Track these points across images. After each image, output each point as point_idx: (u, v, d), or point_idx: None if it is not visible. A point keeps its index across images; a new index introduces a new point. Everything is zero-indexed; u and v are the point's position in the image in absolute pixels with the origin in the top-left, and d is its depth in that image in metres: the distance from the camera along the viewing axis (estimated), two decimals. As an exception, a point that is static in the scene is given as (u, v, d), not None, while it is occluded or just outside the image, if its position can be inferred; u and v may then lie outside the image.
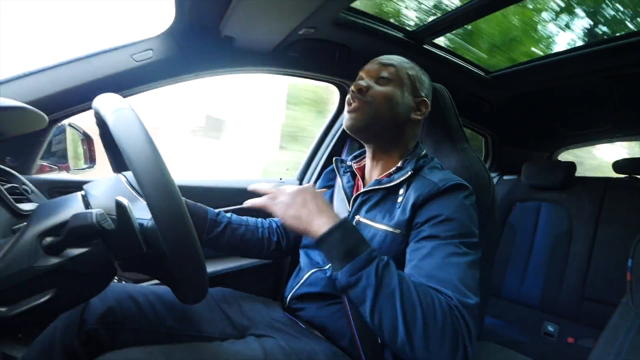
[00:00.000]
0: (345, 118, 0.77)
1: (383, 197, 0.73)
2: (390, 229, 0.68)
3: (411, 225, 0.66)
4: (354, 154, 0.91)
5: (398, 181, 0.71)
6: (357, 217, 0.74)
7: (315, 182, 1.29)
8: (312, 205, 0.61)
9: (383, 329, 0.51)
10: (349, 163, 0.87)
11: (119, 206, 0.49)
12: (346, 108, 0.77)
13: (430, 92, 0.83)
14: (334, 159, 0.89)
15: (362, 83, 0.75)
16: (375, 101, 0.74)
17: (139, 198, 0.56)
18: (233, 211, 1.27)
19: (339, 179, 0.85)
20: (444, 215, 0.62)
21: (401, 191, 0.71)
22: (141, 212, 0.54)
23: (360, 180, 0.83)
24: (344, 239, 0.56)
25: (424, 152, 0.79)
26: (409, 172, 0.71)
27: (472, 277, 0.58)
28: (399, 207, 0.69)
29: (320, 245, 0.58)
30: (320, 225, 0.58)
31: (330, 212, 0.61)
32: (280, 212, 0.63)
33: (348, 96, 0.77)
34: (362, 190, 0.76)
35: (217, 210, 0.86)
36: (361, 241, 0.57)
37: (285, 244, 0.92)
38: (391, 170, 0.76)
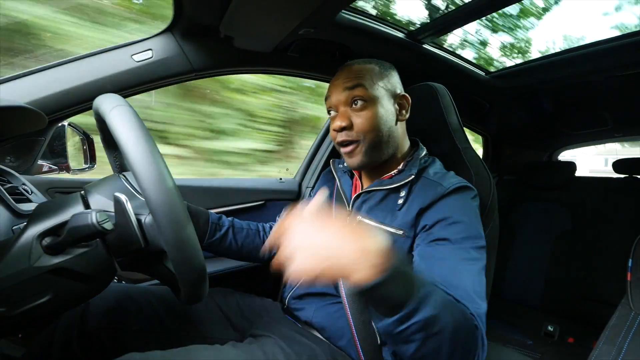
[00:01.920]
0: (345, 158, 0.74)
1: (384, 197, 0.73)
2: (393, 230, 0.67)
3: (416, 226, 0.66)
4: None
5: (401, 183, 0.71)
6: (358, 216, 0.74)
7: (315, 182, 1.29)
8: (342, 245, 0.42)
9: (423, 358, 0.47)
10: (346, 164, 0.87)
11: (117, 202, 0.50)
12: (342, 149, 0.74)
13: (400, 81, 0.78)
14: (331, 160, 0.89)
15: (340, 123, 0.70)
16: (364, 136, 0.70)
17: (139, 196, 0.56)
18: (232, 211, 1.28)
19: (337, 180, 0.85)
20: (453, 217, 0.62)
21: (403, 192, 0.70)
22: (140, 209, 0.54)
23: (358, 180, 0.83)
24: (397, 287, 0.43)
25: (424, 153, 0.78)
26: (412, 175, 0.71)
27: (481, 284, 0.58)
28: (401, 208, 0.69)
29: (366, 294, 0.44)
30: (362, 272, 0.41)
31: (370, 249, 0.43)
32: (301, 273, 0.42)
33: (336, 137, 0.73)
34: (363, 190, 0.76)
35: (219, 215, 0.85)
36: (412, 282, 0.45)
37: None
38: (393, 172, 0.76)
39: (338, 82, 0.73)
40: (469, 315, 0.51)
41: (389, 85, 0.74)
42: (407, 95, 0.77)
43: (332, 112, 0.75)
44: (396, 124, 0.74)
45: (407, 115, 0.77)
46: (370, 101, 0.71)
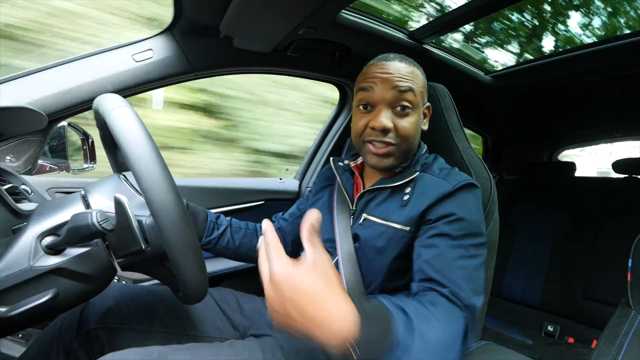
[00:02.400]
0: (372, 159, 0.70)
1: (389, 195, 0.73)
2: (400, 226, 0.67)
3: (421, 222, 0.66)
4: (352, 152, 0.90)
5: (405, 180, 0.71)
6: (363, 214, 0.74)
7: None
8: (303, 298, 0.38)
9: None
10: (346, 162, 0.87)
11: (118, 203, 0.50)
12: (369, 147, 0.70)
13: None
14: (331, 158, 0.88)
15: (387, 123, 0.66)
16: (402, 141, 0.68)
17: (138, 197, 0.56)
18: (232, 211, 1.28)
19: (338, 179, 0.84)
20: (456, 214, 0.63)
21: (407, 189, 0.70)
22: (140, 210, 0.54)
23: (359, 178, 0.83)
24: (370, 336, 0.39)
25: (425, 149, 0.79)
26: (417, 172, 0.71)
27: (479, 279, 0.59)
28: (406, 204, 0.69)
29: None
30: (333, 330, 0.38)
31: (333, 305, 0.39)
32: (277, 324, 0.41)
33: (369, 135, 0.69)
34: (368, 188, 0.76)
35: (217, 214, 0.85)
36: (383, 314, 0.43)
37: (284, 248, 0.92)
38: (397, 170, 0.75)
39: (386, 78, 0.68)
40: (453, 310, 0.51)
41: (425, 95, 0.74)
42: (430, 105, 0.77)
43: (367, 107, 0.70)
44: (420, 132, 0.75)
45: (426, 127, 0.77)
46: (415, 108, 0.69)
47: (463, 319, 0.52)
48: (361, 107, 0.71)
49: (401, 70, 0.69)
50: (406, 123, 0.68)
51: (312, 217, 0.45)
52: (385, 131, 0.67)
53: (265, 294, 0.41)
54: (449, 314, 0.51)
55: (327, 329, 0.38)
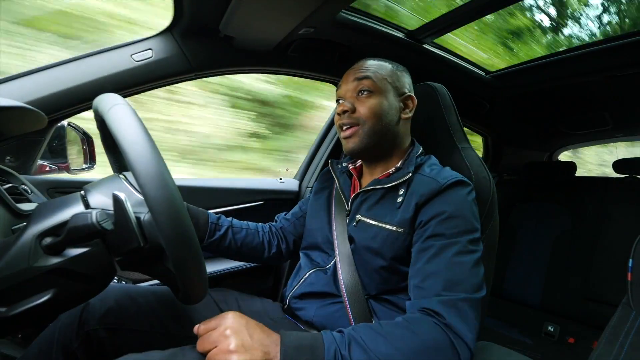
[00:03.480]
0: (343, 143, 0.78)
1: (382, 196, 0.73)
2: (393, 228, 0.68)
3: (414, 223, 0.67)
4: None
5: (398, 182, 0.72)
6: (357, 216, 0.75)
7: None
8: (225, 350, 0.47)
9: None
10: (344, 164, 0.88)
11: (116, 200, 0.49)
12: (341, 133, 0.77)
13: (411, 84, 0.83)
14: (329, 161, 0.90)
15: (346, 104, 0.75)
16: (365, 121, 0.74)
17: (138, 195, 0.56)
18: (232, 211, 1.28)
19: (336, 181, 0.85)
20: (447, 212, 0.63)
21: (401, 191, 0.71)
22: (139, 207, 0.54)
23: (357, 180, 0.84)
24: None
25: (420, 151, 0.79)
26: (409, 173, 0.71)
27: (478, 274, 0.60)
28: (400, 206, 0.69)
29: None
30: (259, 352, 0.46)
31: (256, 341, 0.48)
32: None
33: (338, 121, 0.77)
34: (361, 189, 0.77)
35: (218, 215, 0.85)
36: (311, 341, 0.49)
37: (285, 248, 0.92)
38: (390, 170, 0.77)
39: (349, 73, 0.79)
40: (421, 334, 0.52)
41: (397, 83, 0.77)
42: (413, 96, 0.80)
43: (341, 101, 0.78)
44: (398, 121, 0.77)
45: (410, 115, 0.79)
46: (376, 92, 0.75)
47: (439, 327, 0.52)
48: (339, 102, 0.79)
49: (364, 63, 0.78)
50: (365, 105, 0.74)
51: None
52: (347, 113, 0.75)
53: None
54: (416, 327, 0.52)
55: (254, 349, 0.47)
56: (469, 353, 0.52)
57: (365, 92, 0.75)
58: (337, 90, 0.81)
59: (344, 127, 0.76)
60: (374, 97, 0.74)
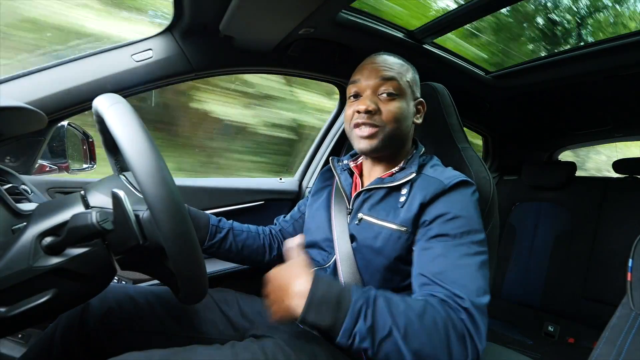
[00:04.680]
0: (356, 141, 0.75)
1: (385, 195, 0.73)
2: (396, 227, 0.68)
3: (418, 223, 0.66)
4: (351, 152, 0.91)
5: (402, 181, 0.71)
6: (359, 214, 0.74)
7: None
8: (275, 290, 0.57)
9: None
10: (345, 162, 0.87)
11: (115, 197, 0.49)
12: (356, 131, 0.73)
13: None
14: (330, 158, 0.89)
15: (370, 105, 0.71)
16: (386, 124, 0.71)
17: (137, 193, 0.56)
18: (232, 211, 1.28)
19: (337, 178, 0.84)
20: (452, 212, 0.63)
21: (404, 190, 0.71)
22: (138, 206, 0.54)
23: (358, 178, 0.83)
24: (322, 314, 0.50)
25: (423, 150, 0.79)
26: (413, 173, 0.71)
27: (483, 277, 0.58)
28: (403, 205, 0.69)
29: (307, 310, 0.51)
30: (288, 310, 0.53)
31: (293, 284, 0.54)
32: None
33: (356, 118, 0.73)
34: (364, 187, 0.76)
35: (219, 218, 0.85)
36: (338, 305, 0.51)
37: None
38: (394, 170, 0.76)
39: (372, 68, 0.74)
40: (443, 308, 0.52)
41: (414, 87, 0.77)
42: (424, 102, 0.80)
43: (357, 97, 0.76)
44: (412, 124, 0.77)
45: (421, 120, 0.79)
46: (400, 95, 0.73)
47: (458, 320, 0.52)
48: (352, 97, 0.76)
49: (387, 61, 0.75)
50: (391, 107, 0.72)
51: (297, 241, 0.64)
52: (370, 113, 0.71)
53: (265, 292, 0.58)
54: (436, 310, 0.52)
55: (290, 295, 0.53)
56: (477, 357, 0.52)
57: (387, 94, 0.72)
58: (351, 83, 0.76)
59: (362, 127, 0.73)
60: (398, 101, 0.72)
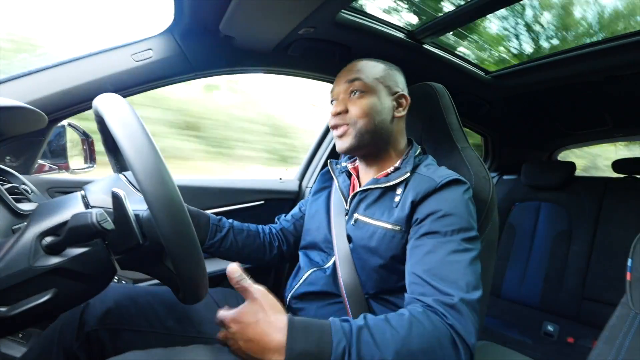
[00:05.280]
0: (336, 142, 0.79)
1: (380, 195, 0.74)
2: (390, 226, 0.68)
3: (410, 221, 0.67)
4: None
5: (396, 181, 0.72)
6: (355, 214, 0.75)
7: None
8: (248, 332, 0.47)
9: None
10: (343, 164, 0.88)
11: (115, 197, 0.49)
12: (333, 132, 0.78)
13: (405, 83, 0.83)
14: (328, 161, 0.91)
15: (338, 108, 0.76)
16: (357, 120, 0.74)
17: (137, 193, 0.56)
18: (232, 211, 1.28)
19: (335, 180, 0.86)
20: (442, 210, 0.63)
21: (399, 190, 0.71)
22: (138, 205, 0.54)
23: (356, 179, 0.84)
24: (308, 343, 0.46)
25: (418, 151, 0.80)
26: (407, 173, 0.72)
27: (474, 273, 0.59)
28: (397, 205, 0.70)
29: None
30: (268, 354, 0.45)
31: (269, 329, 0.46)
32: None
33: (331, 121, 0.78)
34: (359, 188, 0.77)
35: (219, 217, 0.86)
36: (317, 341, 0.46)
37: (287, 249, 0.92)
38: (389, 170, 0.77)
39: (341, 75, 0.80)
40: (424, 326, 0.51)
41: (388, 82, 0.78)
42: (406, 95, 0.80)
43: (333, 102, 0.80)
44: (392, 119, 0.77)
45: (404, 113, 0.79)
46: (367, 92, 0.75)
47: (443, 326, 0.52)
48: (333, 103, 0.80)
49: (353, 66, 0.79)
50: (357, 105, 0.75)
51: (231, 271, 0.50)
52: (340, 114, 0.76)
53: (224, 337, 0.50)
54: (420, 322, 0.51)
55: (263, 345, 0.46)
56: (469, 354, 0.52)
57: (357, 93, 0.75)
58: (330, 91, 0.82)
59: (337, 129, 0.77)
60: (366, 97, 0.75)
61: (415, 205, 0.67)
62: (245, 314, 0.48)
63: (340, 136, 0.77)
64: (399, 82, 0.80)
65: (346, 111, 0.75)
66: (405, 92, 0.80)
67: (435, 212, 0.64)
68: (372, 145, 0.77)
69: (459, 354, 0.51)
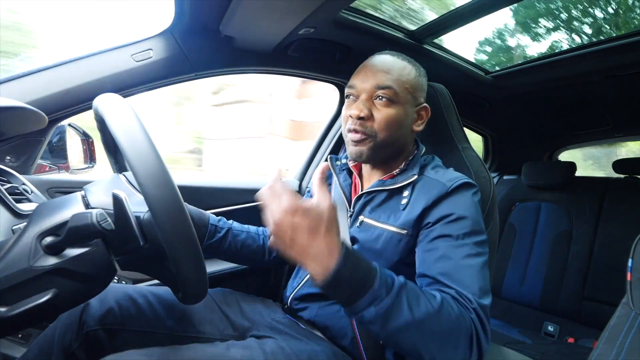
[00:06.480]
0: (349, 148, 0.73)
1: (387, 197, 0.72)
2: (396, 229, 0.67)
3: (419, 225, 0.66)
4: None
5: (403, 183, 0.71)
6: (360, 217, 0.74)
7: None
8: (316, 236, 0.46)
9: (400, 346, 0.51)
10: (344, 160, 0.86)
11: (116, 199, 0.49)
12: (349, 135, 0.71)
13: (426, 89, 0.78)
14: (328, 157, 0.88)
15: (362, 110, 0.68)
16: (378, 133, 0.69)
17: (138, 194, 0.56)
18: (232, 211, 1.27)
19: (335, 178, 0.84)
20: (455, 214, 0.63)
21: (406, 193, 0.70)
22: (139, 207, 0.54)
23: (357, 178, 0.82)
24: (353, 275, 0.47)
25: (423, 151, 0.78)
26: (415, 176, 0.70)
27: (485, 278, 0.58)
28: (404, 208, 0.68)
29: (325, 286, 0.47)
30: (313, 264, 0.47)
31: (331, 244, 0.47)
32: (271, 228, 0.48)
33: (350, 123, 0.71)
34: (365, 190, 0.76)
35: (218, 218, 0.85)
36: (367, 268, 0.49)
37: None
38: (395, 171, 0.75)
39: (367, 72, 0.71)
40: (457, 305, 0.52)
41: (416, 92, 0.73)
42: (428, 107, 0.76)
43: (352, 98, 0.73)
44: (410, 132, 0.74)
45: (422, 127, 0.76)
46: (397, 102, 0.70)
47: (468, 319, 0.51)
48: (350, 97, 0.74)
49: (386, 63, 0.71)
50: (385, 114, 0.69)
51: (323, 168, 0.53)
52: (362, 120, 0.69)
53: (274, 219, 0.47)
54: (451, 306, 0.51)
55: (315, 260, 0.46)
56: (481, 355, 0.51)
57: (383, 99, 0.69)
58: (349, 87, 0.74)
59: (354, 132, 0.71)
60: (392, 107, 0.69)
61: (426, 210, 0.65)
62: (307, 215, 0.46)
63: (357, 142, 0.70)
64: (424, 90, 0.76)
65: (370, 117, 0.69)
66: (427, 103, 0.76)
67: (448, 216, 0.63)
68: (384, 157, 0.74)
69: (471, 351, 0.50)
